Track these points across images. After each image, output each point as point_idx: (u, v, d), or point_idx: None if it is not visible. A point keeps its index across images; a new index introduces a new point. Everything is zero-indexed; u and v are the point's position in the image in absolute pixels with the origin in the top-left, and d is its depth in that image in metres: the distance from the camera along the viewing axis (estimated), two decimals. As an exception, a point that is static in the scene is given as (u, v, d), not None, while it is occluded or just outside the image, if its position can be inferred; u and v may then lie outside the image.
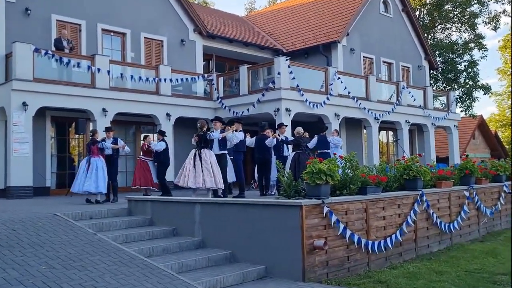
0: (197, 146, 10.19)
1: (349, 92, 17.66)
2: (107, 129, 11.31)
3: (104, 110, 14.31)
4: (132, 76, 15.17)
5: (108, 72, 14.52)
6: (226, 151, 10.80)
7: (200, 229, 7.73)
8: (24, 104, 12.96)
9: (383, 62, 23.01)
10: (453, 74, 29.40)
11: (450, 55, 29.51)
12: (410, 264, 7.85)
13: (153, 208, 8.58)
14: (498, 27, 31.16)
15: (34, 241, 6.45)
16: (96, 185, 10.25)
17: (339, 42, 20.22)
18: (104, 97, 14.41)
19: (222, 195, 10.59)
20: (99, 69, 14.24)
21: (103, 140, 10.95)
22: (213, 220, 7.58)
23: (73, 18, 15.72)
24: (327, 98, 16.76)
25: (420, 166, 8.87)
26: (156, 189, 12.42)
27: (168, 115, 15.90)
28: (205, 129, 10.37)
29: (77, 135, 15.07)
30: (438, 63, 28.52)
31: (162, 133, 12.44)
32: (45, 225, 7.14)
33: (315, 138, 13.80)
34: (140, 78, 15.33)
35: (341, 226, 6.95)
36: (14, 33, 14.11)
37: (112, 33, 16.79)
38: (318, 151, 13.56)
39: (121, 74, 15.08)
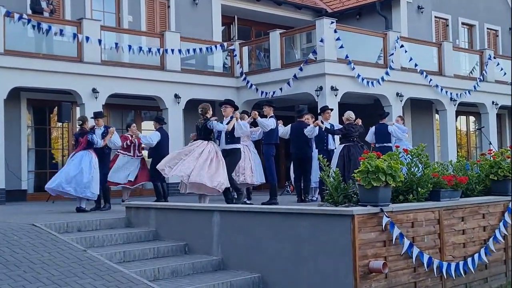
0: (198, 137, 10.29)
1: (416, 65, 17.42)
2: (96, 115, 11.40)
3: (94, 90, 14.50)
4: (130, 47, 15.29)
5: (100, 41, 14.68)
6: (238, 145, 10.83)
7: (219, 245, 7.78)
8: (-7, 83, 13.27)
9: (462, 23, 22.58)
10: (558, 39, 28.63)
11: (554, 13, 28.78)
12: (499, 293, 7.75)
13: (158, 217, 8.67)
14: None
15: (8, 259, 6.60)
16: (77, 186, 10.22)
17: (402, -2, 20.01)
18: (95, 74, 14.58)
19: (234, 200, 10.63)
20: (87, 38, 14.40)
21: (92, 130, 11.04)
22: (236, 234, 7.61)
23: (54, -29, 15.95)
24: (387, 73, 16.58)
25: (512, 163, 8.71)
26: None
27: (176, 96, 16.01)
28: (208, 115, 10.45)
29: (61, 124, 15.31)
30: (538, 24, 27.85)
31: (159, 121, 12.52)
32: (21, 239, 7.29)
33: (372, 129, 13.71)
34: (140, 49, 15.45)
35: (406, 242, 6.89)
36: (-20, -7, 14.40)
37: (104, -9, 16.97)
38: (377, 145, 13.49)
39: (116, 44, 15.21)
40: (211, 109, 10.76)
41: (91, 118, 11.65)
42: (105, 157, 11.12)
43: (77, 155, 10.48)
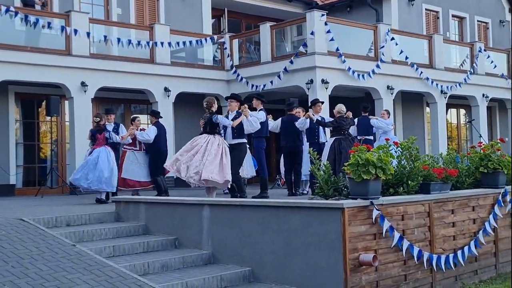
0: (203, 132, 10.27)
1: (406, 58, 17.48)
2: (108, 111, 11.70)
3: (83, 84, 14.45)
4: (119, 40, 15.25)
5: (88, 34, 14.62)
6: (244, 139, 10.80)
7: (209, 239, 7.78)
8: (-19, 77, 13.20)
9: (453, 16, 22.65)
10: (548, 32, 28.79)
11: (544, 5, 28.88)
12: (489, 285, 7.80)
13: (148, 212, 8.65)
14: None
15: (-4, 254, 6.59)
16: (95, 181, 10.73)
17: (393, -10, 20.02)
18: (83, 67, 14.53)
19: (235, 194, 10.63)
20: (76, 31, 14.34)
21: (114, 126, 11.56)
22: (227, 228, 7.62)
23: (42, -37, 15.83)
24: (377, 66, 16.62)
25: (502, 156, 8.76)
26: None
27: (166, 90, 15.98)
28: (213, 109, 10.43)
29: (49, 117, 15.24)
30: (528, 16, 27.95)
31: (155, 114, 12.47)
32: (9, 234, 7.27)
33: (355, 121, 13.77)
34: (129, 41, 15.40)
35: (396, 235, 6.91)
36: (-34, -15, 14.29)
37: (92, -17, 16.89)
38: (358, 137, 13.54)
39: (105, 37, 15.16)
40: (216, 102, 10.71)
41: (103, 113, 11.83)
42: (116, 153, 11.44)
43: (95, 152, 10.90)
